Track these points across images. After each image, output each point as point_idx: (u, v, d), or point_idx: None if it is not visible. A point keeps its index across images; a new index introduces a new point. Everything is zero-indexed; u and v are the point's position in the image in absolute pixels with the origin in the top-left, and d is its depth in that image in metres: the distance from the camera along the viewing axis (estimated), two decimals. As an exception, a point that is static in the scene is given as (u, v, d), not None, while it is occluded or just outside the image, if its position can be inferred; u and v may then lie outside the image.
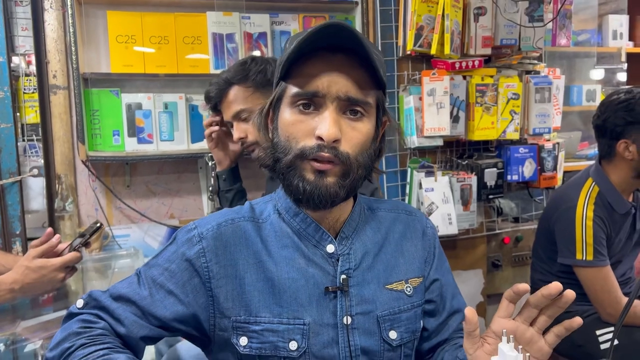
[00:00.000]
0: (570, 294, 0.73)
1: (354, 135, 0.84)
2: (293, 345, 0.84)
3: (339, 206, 0.90)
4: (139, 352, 0.86)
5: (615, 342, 1.64)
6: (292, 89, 0.84)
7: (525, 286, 0.74)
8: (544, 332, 0.77)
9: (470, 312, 0.75)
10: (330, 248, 0.90)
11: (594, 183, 1.73)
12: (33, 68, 1.81)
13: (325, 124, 0.81)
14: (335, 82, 0.82)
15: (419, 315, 0.95)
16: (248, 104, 1.49)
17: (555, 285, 0.72)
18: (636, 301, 1.71)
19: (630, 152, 1.68)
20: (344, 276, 0.88)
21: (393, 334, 0.90)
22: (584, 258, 1.67)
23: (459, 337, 0.99)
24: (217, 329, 0.88)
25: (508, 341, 0.66)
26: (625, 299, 1.67)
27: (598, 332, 1.69)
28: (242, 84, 1.48)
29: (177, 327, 0.87)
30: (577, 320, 0.74)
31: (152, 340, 0.88)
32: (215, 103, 1.58)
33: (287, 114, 0.86)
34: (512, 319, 0.77)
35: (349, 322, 0.87)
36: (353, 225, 0.93)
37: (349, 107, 0.83)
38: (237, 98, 1.50)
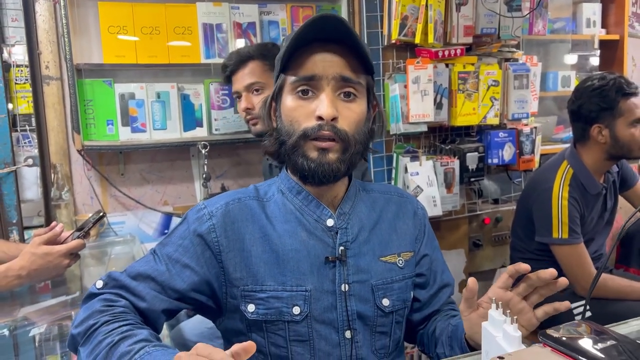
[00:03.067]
0: (563, 281, 0.81)
1: (349, 114, 0.93)
2: (296, 310, 0.93)
3: (337, 185, 0.99)
4: (159, 325, 0.93)
5: (589, 314, 1.76)
6: (291, 78, 0.93)
7: (526, 266, 0.82)
8: (535, 307, 0.86)
9: (472, 281, 0.84)
10: (329, 222, 0.98)
11: (568, 165, 1.83)
12: (17, 57, 1.82)
13: (324, 104, 0.90)
14: (329, 65, 0.91)
15: (410, 286, 1.04)
16: (263, 79, 1.60)
17: (551, 272, 0.80)
18: (608, 275, 1.83)
19: (603, 136, 1.78)
20: (342, 248, 0.96)
21: (386, 302, 0.99)
22: (559, 236, 1.78)
23: (450, 309, 1.09)
24: (228, 297, 0.96)
25: (497, 307, 0.75)
26: (598, 274, 1.78)
27: (573, 306, 1.81)
28: (261, 60, 1.59)
29: (194, 297, 0.94)
30: (565, 304, 0.83)
31: (171, 313, 0.95)
32: (230, 73, 1.66)
33: (288, 101, 0.94)
34: (508, 291, 0.85)
35: (346, 290, 0.96)
36: (350, 203, 1.02)
37: (343, 88, 0.92)
38: (254, 71, 1.61)
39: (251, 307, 0.94)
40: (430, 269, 1.09)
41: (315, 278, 0.95)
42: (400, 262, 1.02)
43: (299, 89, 0.92)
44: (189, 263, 0.93)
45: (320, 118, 0.90)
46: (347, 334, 0.96)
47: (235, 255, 0.95)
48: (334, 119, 0.90)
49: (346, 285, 0.96)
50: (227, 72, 1.67)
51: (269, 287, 0.94)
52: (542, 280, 0.82)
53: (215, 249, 0.94)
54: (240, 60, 1.62)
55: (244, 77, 1.62)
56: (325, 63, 0.91)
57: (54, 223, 1.40)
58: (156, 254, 0.96)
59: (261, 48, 1.62)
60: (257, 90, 1.61)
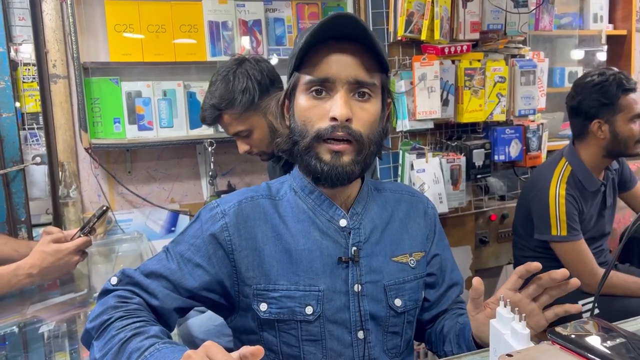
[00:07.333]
0: (575, 281, 0.81)
1: (364, 115, 0.92)
2: (309, 310, 0.93)
3: (350, 185, 0.98)
4: (172, 322, 0.94)
5: (597, 311, 1.76)
6: (306, 77, 0.92)
7: (537, 265, 0.82)
8: (545, 308, 0.85)
9: (477, 281, 0.84)
10: (342, 222, 0.98)
11: (566, 163, 1.83)
12: (24, 56, 1.83)
13: (338, 105, 0.88)
14: (344, 68, 0.89)
15: (421, 286, 1.04)
16: (243, 126, 1.54)
17: (563, 272, 0.80)
18: (613, 272, 1.82)
19: (602, 131, 1.78)
20: (355, 248, 0.96)
21: (398, 302, 0.99)
22: (558, 234, 1.77)
23: (458, 307, 1.09)
24: (241, 295, 0.96)
25: (505, 305, 0.75)
26: (600, 270, 1.77)
27: (580, 303, 1.80)
28: (230, 109, 1.52)
29: (206, 295, 0.95)
30: (577, 307, 0.83)
31: (184, 310, 0.95)
32: (210, 124, 1.64)
33: (302, 100, 0.93)
34: (517, 292, 0.85)
35: (359, 290, 0.95)
36: (362, 203, 1.01)
37: (357, 89, 0.91)
38: (231, 122, 1.55)
39: (263, 306, 0.94)
40: (440, 268, 1.09)
41: (328, 278, 0.94)
42: (412, 262, 1.02)
43: (313, 89, 0.91)
44: (200, 262, 0.94)
45: (334, 119, 0.89)
46: (360, 334, 0.96)
47: (248, 254, 0.95)
48: (348, 119, 0.89)
49: (359, 286, 0.95)
50: (207, 123, 1.63)
51: (281, 286, 0.93)
52: (553, 281, 0.81)
53: (228, 248, 0.94)
54: (213, 116, 1.56)
55: (227, 128, 1.58)
56: (340, 64, 0.89)
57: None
58: (169, 252, 0.96)
59: (224, 96, 1.51)
60: (245, 136, 1.57)
